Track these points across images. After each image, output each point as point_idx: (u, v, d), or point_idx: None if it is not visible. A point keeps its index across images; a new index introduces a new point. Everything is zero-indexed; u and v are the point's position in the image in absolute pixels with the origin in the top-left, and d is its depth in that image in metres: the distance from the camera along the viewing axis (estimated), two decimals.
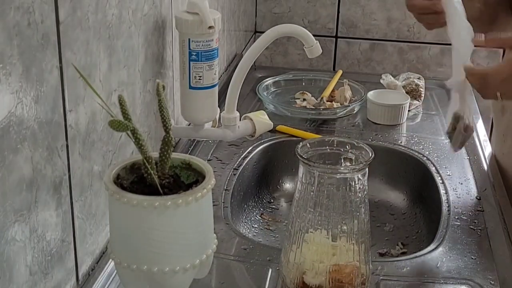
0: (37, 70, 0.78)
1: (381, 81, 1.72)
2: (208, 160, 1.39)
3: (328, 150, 0.97)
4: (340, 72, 1.81)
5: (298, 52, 2.13)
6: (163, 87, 0.82)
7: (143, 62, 1.14)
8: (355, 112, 1.65)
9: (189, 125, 1.32)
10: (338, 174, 0.92)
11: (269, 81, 1.74)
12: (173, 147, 0.84)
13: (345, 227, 0.93)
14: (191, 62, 1.22)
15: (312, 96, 1.70)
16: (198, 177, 0.85)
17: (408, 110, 1.64)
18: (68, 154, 0.87)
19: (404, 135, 1.55)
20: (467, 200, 1.27)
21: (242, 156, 1.42)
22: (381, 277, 1.04)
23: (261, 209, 1.42)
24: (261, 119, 1.31)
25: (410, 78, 1.73)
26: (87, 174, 0.94)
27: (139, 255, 0.81)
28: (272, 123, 1.34)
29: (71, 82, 0.86)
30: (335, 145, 0.97)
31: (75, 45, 0.87)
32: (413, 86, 1.70)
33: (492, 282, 1.03)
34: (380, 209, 1.42)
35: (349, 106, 1.62)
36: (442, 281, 1.04)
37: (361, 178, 0.92)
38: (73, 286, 0.93)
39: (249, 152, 1.44)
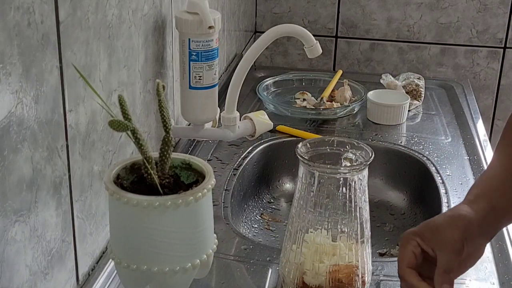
0: (37, 70, 0.78)
1: (381, 81, 1.72)
2: (208, 160, 1.39)
3: (328, 150, 0.97)
4: (340, 72, 1.81)
5: (298, 52, 2.13)
6: (163, 87, 0.82)
7: (143, 62, 1.14)
8: (355, 112, 1.65)
9: (189, 125, 1.32)
10: (338, 174, 0.92)
11: (269, 81, 1.74)
12: (173, 147, 0.84)
13: (345, 227, 0.93)
14: (191, 62, 1.22)
15: (312, 96, 1.70)
16: (198, 177, 0.85)
17: (408, 110, 1.64)
18: (68, 154, 0.87)
19: (404, 135, 1.55)
20: None
21: (242, 156, 1.42)
22: (381, 277, 1.04)
23: (261, 209, 1.42)
24: (261, 119, 1.31)
25: (410, 78, 1.73)
26: (87, 174, 0.94)
27: (139, 255, 0.81)
28: (272, 123, 1.34)
29: (71, 82, 0.86)
30: (335, 145, 0.97)
31: (75, 45, 0.87)
32: (413, 86, 1.70)
33: (492, 283, 1.03)
34: (380, 209, 1.42)
35: (349, 106, 1.62)
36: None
37: (361, 178, 0.92)
38: (73, 286, 0.93)
39: (249, 152, 1.44)
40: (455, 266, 0.83)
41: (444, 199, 1.27)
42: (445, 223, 0.85)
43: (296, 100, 1.70)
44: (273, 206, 1.44)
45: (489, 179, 0.92)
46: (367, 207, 0.95)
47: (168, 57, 1.27)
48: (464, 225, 0.84)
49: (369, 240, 0.96)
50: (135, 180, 0.84)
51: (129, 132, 0.79)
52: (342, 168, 0.93)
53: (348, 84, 1.70)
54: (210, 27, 1.18)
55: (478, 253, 0.88)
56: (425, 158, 1.44)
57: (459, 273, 0.87)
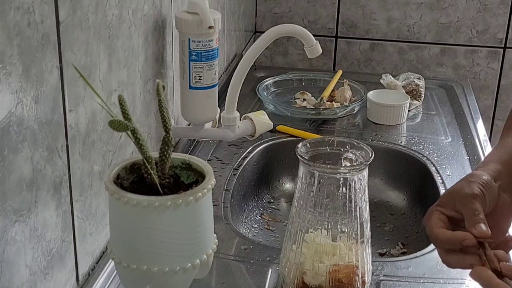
0: (37, 70, 0.78)
1: (381, 81, 1.72)
2: (208, 160, 1.39)
3: (328, 150, 0.97)
4: (340, 72, 1.81)
5: (298, 52, 2.13)
6: (163, 87, 0.82)
7: (143, 62, 1.14)
8: (355, 112, 1.65)
9: (189, 125, 1.32)
10: (338, 174, 0.92)
11: (269, 81, 1.74)
12: (173, 147, 0.84)
13: (345, 227, 0.93)
14: (191, 62, 1.22)
15: (312, 96, 1.70)
16: (198, 177, 0.85)
17: (408, 110, 1.64)
18: (68, 154, 0.87)
19: (404, 135, 1.55)
20: None
21: (242, 156, 1.42)
22: (381, 277, 1.04)
23: (261, 209, 1.42)
24: (261, 119, 1.31)
25: (410, 78, 1.73)
26: (87, 174, 0.94)
27: (139, 255, 0.81)
28: (272, 123, 1.34)
29: (71, 82, 0.86)
30: (335, 145, 0.97)
31: (75, 45, 0.87)
32: (413, 86, 1.70)
33: None
34: (380, 209, 1.42)
35: (349, 106, 1.62)
36: (442, 281, 1.04)
37: (361, 178, 0.92)
38: (73, 286, 0.93)
39: (249, 152, 1.44)
40: (482, 210, 0.84)
41: None
42: (459, 184, 0.88)
43: (296, 100, 1.71)
44: (273, 206, 1.44)
45: (494, 150, 0.96)
46: (367, 207, 0.95)
47: (168, 57, 1.27)
48: (478, 179, 0.86)
49: (369, 240, 0.96)
50: (135, 180, 0.84)
51: (129, 132, 0.79)
52: (342, 168, 0.93)
53: (348, 84, 1.70)
54: (210, 27, 1.19)
55: (506, 208, 0.88)
56: (425, 158, 1.44)
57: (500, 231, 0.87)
